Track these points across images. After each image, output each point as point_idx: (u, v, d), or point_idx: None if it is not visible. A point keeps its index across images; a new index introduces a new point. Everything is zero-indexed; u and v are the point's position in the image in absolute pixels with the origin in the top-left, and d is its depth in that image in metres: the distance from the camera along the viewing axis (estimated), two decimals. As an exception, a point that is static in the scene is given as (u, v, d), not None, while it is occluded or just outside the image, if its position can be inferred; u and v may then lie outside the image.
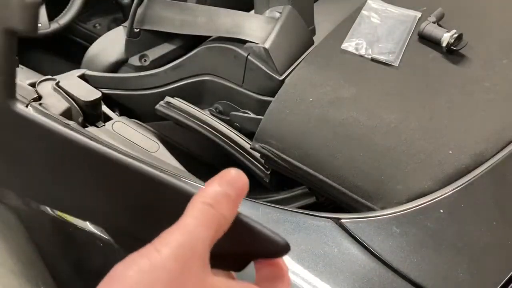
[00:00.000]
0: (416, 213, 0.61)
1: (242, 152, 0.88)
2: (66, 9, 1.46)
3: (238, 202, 0.31)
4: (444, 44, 0.80)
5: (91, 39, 1.31)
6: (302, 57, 0.93)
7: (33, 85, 0.92)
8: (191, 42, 1.04)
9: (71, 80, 0.98)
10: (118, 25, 1.23)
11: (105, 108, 0.99)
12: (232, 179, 0.31)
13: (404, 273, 0.55)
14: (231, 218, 0.31)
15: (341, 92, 0.78)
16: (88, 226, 0.63)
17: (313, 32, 1.04)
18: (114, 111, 1.03)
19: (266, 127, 0.78)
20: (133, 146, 0.89)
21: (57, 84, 0.93)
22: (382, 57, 0.82)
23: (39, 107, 0.84)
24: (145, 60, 1.08)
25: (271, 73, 0.90)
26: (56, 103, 0.90)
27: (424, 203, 0.62)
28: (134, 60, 1.09)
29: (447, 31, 0.81)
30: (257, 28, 0.93)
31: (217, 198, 0.30)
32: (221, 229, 0.30)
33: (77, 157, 0.33)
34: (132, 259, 0.28)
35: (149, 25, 1.03)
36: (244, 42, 0.93)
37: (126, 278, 0.27)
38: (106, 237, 0.60)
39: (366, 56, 0.83)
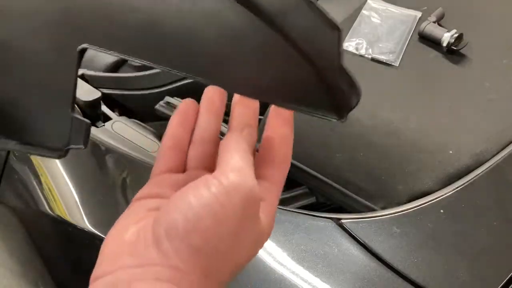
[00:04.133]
0: (416, 213, 0.61)
1: (242, 152, 0.87)
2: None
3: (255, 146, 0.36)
4: (444, 44, 0.80)
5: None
6: (302, 57, 0.92)
7: (32, 84, 0.92)
8: (191, 41, 1.04)
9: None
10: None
11: (104, 108, 0.99)
12: (249, 131, 0.36)
13: (404, 273, 0.55)
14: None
15: (341, 92, 0.77)
16: (88, 226, 0.63)
17: (313, 32, 1.03)
18: (114, 111, 1.02)
19: (266, 127, 0.78)
20: (133, 146, 0.89)
21: (57, 83, 0.93)
22: (382, 57, 0.81)
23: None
24: (145, 60, 1.08)
25: (271, 73, 0.89)
26: (56, 103, 0.90)
27: (424, 203, 0.62)
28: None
29: (447, 31, 0.81)
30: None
31: (248, 142, 0.34)
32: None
33: None
34: (198, 191, 0.30)
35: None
36: (244, 42, 0.93)
37: (202, 225, 0.29)
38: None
39: (366, 56, 0.83)
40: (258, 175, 0.34)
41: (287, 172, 0.36)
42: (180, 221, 0.29)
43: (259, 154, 0.37)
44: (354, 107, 0.37)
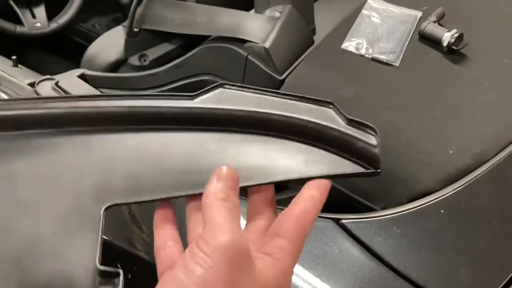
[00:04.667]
0: (416, 213, 0.61)
1: (242, 152, 0.87)
2: (65, 9, 1.46)
3: (238, 190, 0.36)
4: (444, 44, 0.80)
5: (91, 39, 1.30)
6: (302, 57, 0.92)
7: (32, 85, 0.92)
8: (191, 41, 1.04)
9: (70, 80, 0.98)
10: (117, 24, 1.23)
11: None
12: (227, 173, 0.35)
13: (404, 274, 0.55)
14: (239, 205, 0.34)
15: (342, 92, 0.77)
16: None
17: (313, 31, 1.03)
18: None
19: (266, 127, 0.77)
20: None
21: (56, 84, 0.93)
22: (382, 57, 0.81)
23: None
24: (144, 60, 1.08)
25: (271, 73, 0.89)
26: (56, 103, 0.89)
27: (424, 203, 0.62)
28: (134, 60, 1.08)
29: (447, 31, 0.81)
30: (257, 28, 0.93)
31: (227, 192, 0.34)
32: (239, 212, 0.34)
33: None
34: (186, 266, 0.31)
35: (148, 24, 1.02)
36: (244, 41, 0.93)
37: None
38: (106, 238, 0.60)
39: (366, 55, 0.82)
40: (275, 231, 0.36)
41: (306, 230, 0.37)
42: None
43: (284, 211, 0.38)
44: (378, 148, 0.41)
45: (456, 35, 0.79)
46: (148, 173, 0.40)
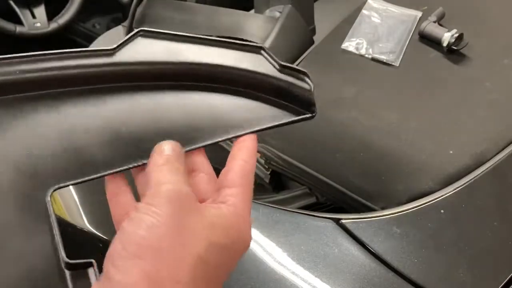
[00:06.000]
0: (416, 213, 0.61)
1: (242, 152, 0.87)
2: (65, 9, 1.46)
3: (181, 156, 0.37)
4: (444, 44, 0.80)
5: (90, 39, 1.31)
6: (302, 56, 0.92)
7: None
8: (191, 41, 1.04)
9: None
10: (117, 24, 1.23)
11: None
12: (169, 148, 0.37)
13: (404, 274, 0.55)
14: (183, 167, 0.36)
15: (342, 92, 0.77)
16: (88, 226, 0.63)
17: (313, 31, 1.04)
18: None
19: (266, 127, 0.77)
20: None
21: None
22: (382, 57, 0.81)
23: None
24: (144, 60, 1.08)
25: (271, 72, 0.89)
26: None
27: (424, 203, 0.62)
28: (134, 60, 1.08)
29: (447, 31, 0.81)
30: (257, 28, 0.93)
31: (167, 159, 0.36)
32: (184, 173, 0.35)
33: None
34: (131, 219, 0.32)
35: (148, 24, 1.02)
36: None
37: (137, 237, 0.31)
38: (106, 238, 0.60)
39: (366, 56, 0.82)
40: (221, 185, 0.37)
41: (250, 179, 0.38)
42: (118, 244, 0.31)
43: (225, 167, 0.39)
44: (313, 93, 0.42)
45: (456, 35, 0.80)
46: (89, 146, 0.37)
